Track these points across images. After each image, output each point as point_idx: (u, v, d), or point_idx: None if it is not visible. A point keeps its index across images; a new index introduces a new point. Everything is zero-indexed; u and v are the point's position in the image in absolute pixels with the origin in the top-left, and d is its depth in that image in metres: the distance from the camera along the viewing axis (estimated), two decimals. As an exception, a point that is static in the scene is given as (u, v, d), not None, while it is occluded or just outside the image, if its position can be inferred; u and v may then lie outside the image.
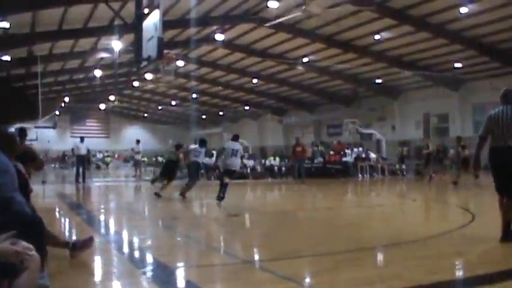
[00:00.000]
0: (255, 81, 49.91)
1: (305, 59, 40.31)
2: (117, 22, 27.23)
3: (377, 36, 33.88)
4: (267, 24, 30.97)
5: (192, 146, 29.01)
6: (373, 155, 34.00)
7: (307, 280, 6.12)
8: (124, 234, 10.21)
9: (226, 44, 38.46)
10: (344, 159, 33.91)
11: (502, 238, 7.90)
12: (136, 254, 8.06)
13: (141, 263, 7.21)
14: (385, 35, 33.57)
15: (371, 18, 30.62)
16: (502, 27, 30.33)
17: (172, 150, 20.79)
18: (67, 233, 10.09)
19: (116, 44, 32.08)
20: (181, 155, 20.04)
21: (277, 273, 6.10)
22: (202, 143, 19.07)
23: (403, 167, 34.63)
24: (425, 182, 26.10)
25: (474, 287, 5.70)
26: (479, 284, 5.73)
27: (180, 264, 7.09)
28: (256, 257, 7.66)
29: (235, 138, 16.81)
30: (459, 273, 6.55)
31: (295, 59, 40.53)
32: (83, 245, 7.13)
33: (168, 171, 19.61)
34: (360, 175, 31.72)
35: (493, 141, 8.10)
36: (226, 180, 16.02)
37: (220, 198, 15.36)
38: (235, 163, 16.15)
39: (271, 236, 9.59)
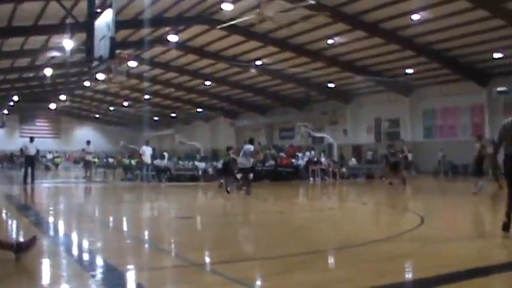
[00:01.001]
0: (207, 83, 49.79)
1: (258, 62, 40.44)
2: (68, 20, 26.83)
3: (330, 41, 34.19)
4: (219, 26, 30.90)
5: (144, 148, 28.97)
6: (323, 159, 34.17)
7: (258, 283, 6.11)
8: (73, 236, 10.06)
9: (179, 45, 38.30)
10: (295, 162, 34.08)
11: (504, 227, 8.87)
12: (86, 256, 7.95)
13: (90, 265, 7.11)
14: (338, 39, 33.88)
15: (324, 23, 30.81)
16: (452, 35, 30.96)
17: (225, 154, 22.76)
18: (14, 236, 9.89)
19: (67, 43, 31.59)
20: (232, 155, 22.13)
21: (227, 276, 6.08)
22: (251, 141, 21.02)
23: (343, 170, 34.97)
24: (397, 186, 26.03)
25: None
26: (427, 286, 5.81)
27: (130, 266, 7.02)
28: (207, 260, 7.63)
29: (251, 141, 20.63)
30: (407, 276, 6.65)
31: (248, 61, 40.58)
32: (28, 246, 6.99)
33: (225, 171, 22.14)
34: (311, 178, 31.89)
35: (506, 148, 8.88)
36: (238, 176, 20.24)
37: (248, 192, 19.33)
38: (245, 162, 19.58)
39: (222, 238, 9.57)
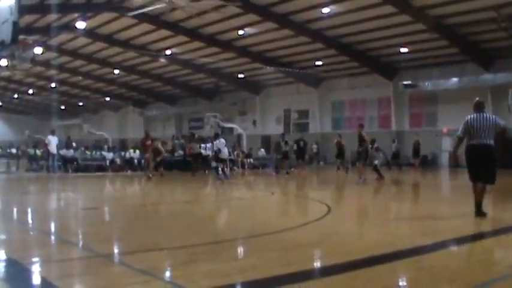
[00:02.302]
0: (116, 72, 49.05)
1: (168, 51, 40.14)
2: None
3: (241, 32, 34.30)
4: (130, 14, 30.43)
5: (50, 137, 28.22)
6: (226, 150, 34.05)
7: (164, 273, 6.09)
8: (-27, 228, 9.72)
9: (87, 32, 37.48)
10: (204, 152, 33.89)
11: (476, 214, 10.07)
12: (-14, 250, 7.69)
13: (-10, 259, 6.89)
14: (249, 30, 34.06)
15: (235, 13, 30.91)
16: (361, 29, 31.75)
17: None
18: None
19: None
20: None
21: (133, 267, 6.03)
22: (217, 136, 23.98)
23: (250, 161, 35.14)
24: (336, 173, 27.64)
25: (326, 277, 5.89)
26: (332, 273, 5.95)
27: (34, 259, 6.82)
28: (114, 251, 7.53)
29: (217, 136, 23.61)
30: (313, 264, 6.77)
31: (158, 50, 40.26)
32: None
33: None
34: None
35: (469, 140, 10.18)
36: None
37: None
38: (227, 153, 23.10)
39: (129, 229, 9.48)
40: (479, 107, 10.31)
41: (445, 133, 36.26)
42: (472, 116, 10.24)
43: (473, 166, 10.17)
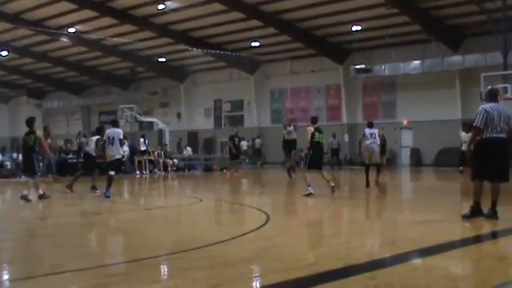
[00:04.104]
0: (4, 53, 48.07)
1: (71, 29, 39.58)
2: None
3: (161, 6, 34.02)
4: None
5: None
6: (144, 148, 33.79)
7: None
8: None
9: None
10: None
11: (469, 216, 10.74)
12: None
13: None
14: (171, 4, 33.83)
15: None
16: (305, 3, 31.81)
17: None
18: None
19: None
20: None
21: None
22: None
23: (175, 161, 34.94)
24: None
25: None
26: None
27: None
28: (3, 277, 7.37)
29: (116, 124, 19.24)
30: (248, 284, 6.77)
31: (59, 28, 39.60)
32: None
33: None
34: (137, 172, 31.69)
35: (486, 133, 10.53)
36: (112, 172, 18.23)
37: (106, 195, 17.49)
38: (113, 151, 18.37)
39: (23, 248, 9.31)
40: (495, 96, 10.84)
41: (406, 126, 36.84)
42: (490, 105, 10.64)
43: (487, 163, 10.59)
